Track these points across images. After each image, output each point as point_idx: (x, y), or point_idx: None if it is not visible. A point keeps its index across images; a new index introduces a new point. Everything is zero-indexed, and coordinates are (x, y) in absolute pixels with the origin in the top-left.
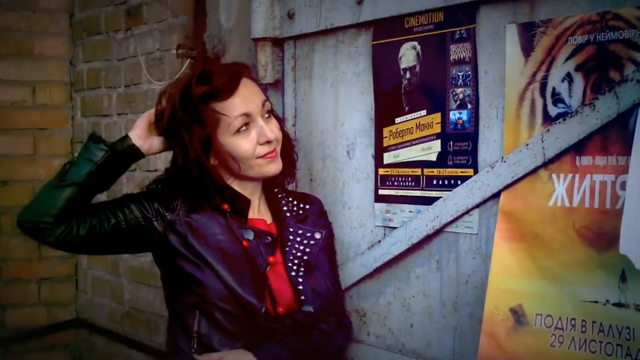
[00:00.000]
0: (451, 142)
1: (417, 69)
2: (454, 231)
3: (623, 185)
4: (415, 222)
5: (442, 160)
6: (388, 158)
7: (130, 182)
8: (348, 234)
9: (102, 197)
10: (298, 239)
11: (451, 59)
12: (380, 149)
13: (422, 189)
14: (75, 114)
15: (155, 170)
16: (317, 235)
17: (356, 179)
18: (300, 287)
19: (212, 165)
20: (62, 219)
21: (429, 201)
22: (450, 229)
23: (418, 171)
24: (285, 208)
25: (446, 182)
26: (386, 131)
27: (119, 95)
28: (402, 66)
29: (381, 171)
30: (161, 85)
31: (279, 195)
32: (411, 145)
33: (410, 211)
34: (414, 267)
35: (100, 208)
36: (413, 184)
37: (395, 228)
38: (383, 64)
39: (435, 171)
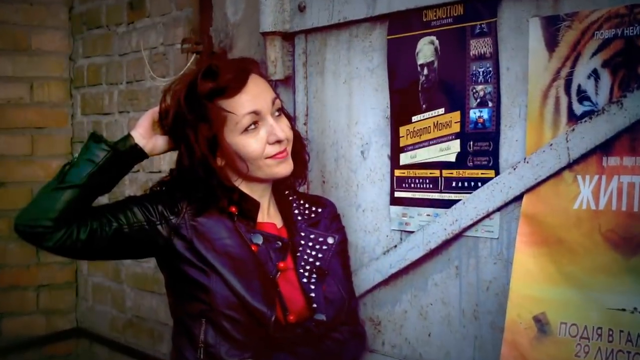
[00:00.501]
0: (471, 142)
1: (435, 64)
2: (473, 235)
3: None
4: (433, 226)
5: (461, 161)
6: (405, 159)
7: (133, 184)
8: (362, 238)
9: (103, 199)
10: (310, 244)
11: (471, 54)
12: (396, 149)
13: (441, 192)
14: (75, 112)
15: (160, 172)
16: (330, 240)
17: (371, 180)
18: (312, 295)
19: (219, 165)
20: (62, 223)
21: (448, 204)
22: (469, 234)
23: (436, 172)
24: (296, 211)
25: (466, 184)
26: (402, 130)
27: (120, 92)
28: (419, 62)
29: (397, 172)
30: (165, 82)
31: (290, 198)
32: (429, 145)
33: (428, 215)
34: (431, 274)
35: (102, 211)
36: (431, 186)
37: (412, 232)
38: (399, 60)
39: (454, 172)
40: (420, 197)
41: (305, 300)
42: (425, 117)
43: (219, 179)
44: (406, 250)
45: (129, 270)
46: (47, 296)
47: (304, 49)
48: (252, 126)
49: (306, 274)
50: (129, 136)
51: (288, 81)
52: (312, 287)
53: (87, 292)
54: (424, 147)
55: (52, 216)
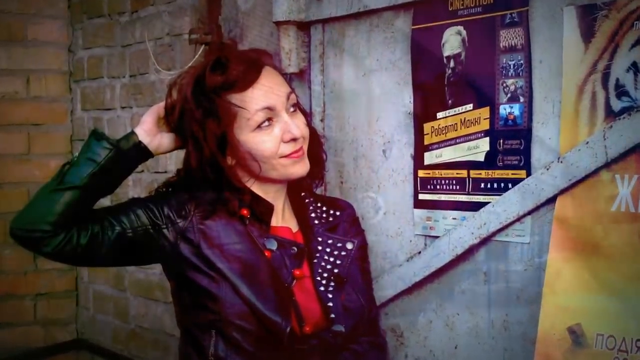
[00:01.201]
0: (501, 140)
1: (463, 57)
2: (503, 240)
3: None
4: (459, 230)
5: (490, 160)
6: (429, 158)
7: (137, 185)
8: (384, 243)
9: (105, 201)
10: (327, 250)
11: (501, 46)
12: (420, 148)
13: (468, 193)
14: (75, 108)
15: (165, 172)
16: (349, 246)
17: (393, 181)
18: (330, 304)
19: (229, 165)
20: (61, 227)
21: (476, 207)
22: (499, 238)
23: (463, 173)
24: (312, 215)
25: (495, 185)
26: (427, 127)
27: (123, 86)
28: (446, 54)
29: (421, 173)
30: (171, 75)
31: (306, 200)
32: (455, 143)
33: (454, 218)
34: (458, 281)
35: (104, 214)
36: (458, 187)
37: (437, 237)
38: (423, 52)
39: (482, 173)
40: (446, 199)
41: (322, 309)
42: (451, 114)
43: (229, 179)
44: (431, 256)
45: (132, 277)
46: (46, 305)
47: (320, 39)
48: (266, 123)
49: (323, 281)
50: (132, 133)
51: (303, 74)
52: (330, 295)
53: (88, 301)
54: (450, 145)
55: (51, 220)
